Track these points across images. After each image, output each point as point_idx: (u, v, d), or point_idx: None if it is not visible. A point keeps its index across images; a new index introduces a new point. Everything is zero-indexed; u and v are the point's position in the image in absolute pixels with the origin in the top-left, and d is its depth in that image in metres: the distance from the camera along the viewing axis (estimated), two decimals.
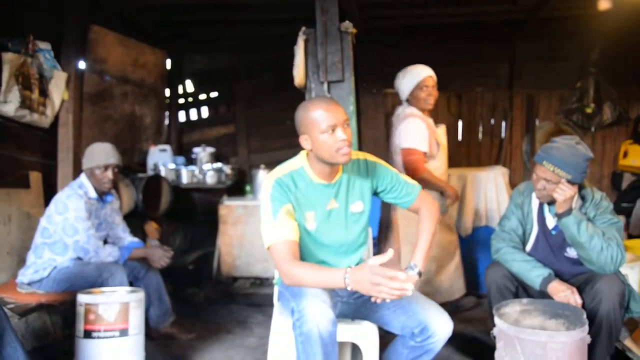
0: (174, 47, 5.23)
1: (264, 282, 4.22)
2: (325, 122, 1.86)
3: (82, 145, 3.65)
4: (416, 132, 3.09)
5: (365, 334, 2.05)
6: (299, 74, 2.86)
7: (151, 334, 2.93)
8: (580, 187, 2.33)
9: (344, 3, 3.28)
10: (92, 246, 2.80)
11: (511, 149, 5.40)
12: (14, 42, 3.21)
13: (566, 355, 1.86)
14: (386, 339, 2.09)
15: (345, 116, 1.90)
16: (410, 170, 3.06)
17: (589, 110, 5.09)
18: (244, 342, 3.12)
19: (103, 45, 4.01)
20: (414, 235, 2.12)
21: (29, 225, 3.24)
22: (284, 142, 5.35)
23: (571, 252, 2.34)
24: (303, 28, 2.86)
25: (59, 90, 3.52)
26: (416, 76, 3.20)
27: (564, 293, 2.18)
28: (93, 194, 2.92)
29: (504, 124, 5.42)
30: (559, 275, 2.30)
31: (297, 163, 2.02)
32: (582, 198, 2.32)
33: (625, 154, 5.13)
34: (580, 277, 2.33)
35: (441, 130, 3.36)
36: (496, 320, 2.04)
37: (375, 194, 2.16)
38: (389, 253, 1.71)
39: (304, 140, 1.94)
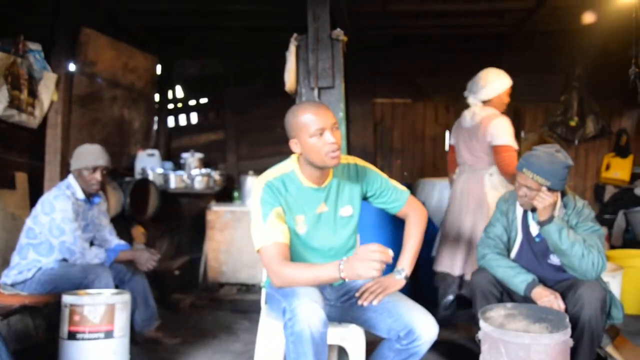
0: (164, 52, 5.24)
1: (251, 289, 4.21)
2: (314, 126, 1.87)
3: (70, 148, 3.63)
4: (510, 130, 3.18)
5: (352, 337, 2.06)
6: (289, 80, 2.89)
7: (136, 338, 2.90)
8: (562, 195, 2.38)
9: (335, 12, 3.34)
10: (78, 247, 2.78)
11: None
12: (4, 41, 3.20)
13: (549, 357, 1.88)
14: (374, 344, 2.11)
15: (333, 119, 1.92)
16: (505, 167, 3.07)
17: (572, 123, 5.20)
18: (230, 348, 3.11)
19: (94, 48, 4.01)
20: None
21: (14, 226, 3.20)
22: (273, 149, 5.36)
23: (554, 259, 2.38)
24: (295, 34, 2.90)
25: (48, 91, 3.50)
26: (507, 82, 3.31)
27: (547, 298, 2.21)
28: (81, 195, 2.90)
29: None
30: (542, 282, 2.34)
31: (287, 166, 2.04)
32: (564, 206, 2.37)
33: (608, 167, 5.24)
34: (563, 283, 2.37)
35: None
36: (481, 323, 2.06)
37: (364, 198, 2.18)
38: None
39: (293, 144, 1.96)
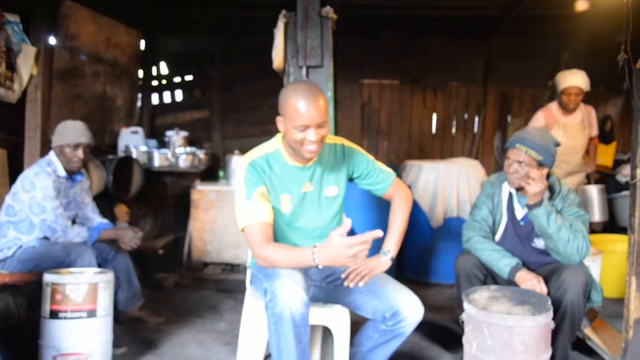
0: (148, 27, 5.12)
1: (235, 268, 4.21)
2: (299, 121, 1.82)
3: (50, 124, 3.55)
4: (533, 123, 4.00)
5: (337, 318, 2.07)
6: (277, 57, 2.84)
7: (119, 318, 2.88)
8: (547, 176, 2.40)
9: None
10: (60, 226, 2.72)
11: (483, 143, 5.51)
12: None
13: (531, 339, 1.92)
14: (358, 324, 2.12)
15: (323, 117, 1.85)
16: None
17: None
18: (214, 327, 3.11)
19: (75, 21, 3.89)
20: None
21: None
22: (259, 129, 5.32)
23: (538, 243, 2.41)
24: (283, 11, 2.84)
25: (27, 65, 3.40)
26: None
27: (530, 282, 2.24)
28: (62, 172, 2.83)
29: (477, 119, 5.52)
30: (526, 265, 2.37)
31: (272, 146, 2.01)
32: (550, 189, 2.39)
33: None
34: (547, 267, 2.40)
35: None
36: (465, 305, 2.09)
37: (350, 179, 2.16)
38: (347, 223, 1.72)
39: (279, 122, 1.93)
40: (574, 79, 3.85)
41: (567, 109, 3.92)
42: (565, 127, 3.95)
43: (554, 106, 4.01)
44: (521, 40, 5.34)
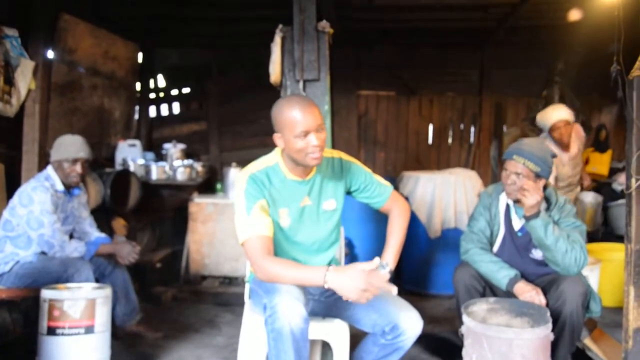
0: (146, 40, 5.14)
1: (233, 282, 4.19)
2: (299, 128, 1.84)
3: (48, 138, 3.55)
4: None
5: (336, 332, 2.06)
6: (275, 71, 2.86)
7: (117, 333, 2.86)
8: (544, 188, 2.41)
9: (321, 3, 3.31)
10: (58, 240, 2.72)
11: (479, 153, 5.54)
12: None
13: (531, 352, 1.92)
14: (357, 337, 2.11)
15: (319, 120, 1.88)
16: None
17: None
18: (212, 341, 3.09)
19: (73, 34, 3.91)
20: None
21: None
22: (256, 141, 5.33)
23: (536, 254, 2.41)
24: (280, 25, 2.87)
25: (25, 79, 3.41)
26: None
27: (529, 293, 2.25)
28: (60, 186, 2.83)
29: (472, 129, 5.55)
30: (524, 276, 2.37)
31: (271, 159, 2.02)
32: (547, 198, 2.40)
33: (587, 161, 5.32)
34: (545, 278, 2.40)
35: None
36: (464, 318, 2.08)
37: (348, 193, 2.17)
38: (375, 262, 1.76)
39: (277, 139, 1.94)
40: (558, 114, 3.76)
41: (562, 144, 3.79)
42: (569, 163, 3.91)
43: (550, 146, 3.82)
44: (515, 50, 5.39)
